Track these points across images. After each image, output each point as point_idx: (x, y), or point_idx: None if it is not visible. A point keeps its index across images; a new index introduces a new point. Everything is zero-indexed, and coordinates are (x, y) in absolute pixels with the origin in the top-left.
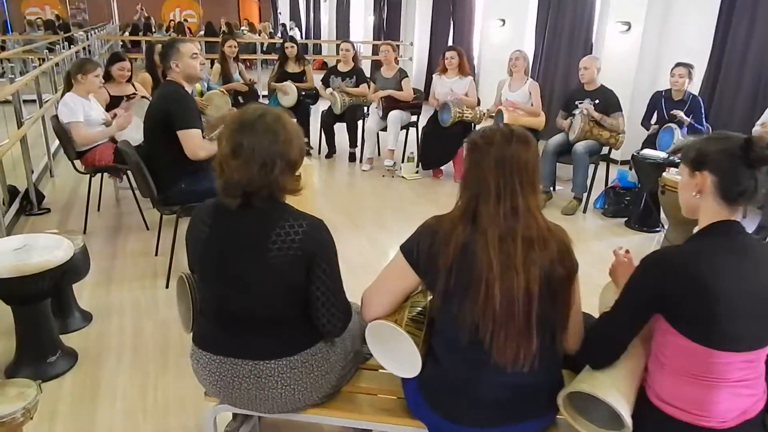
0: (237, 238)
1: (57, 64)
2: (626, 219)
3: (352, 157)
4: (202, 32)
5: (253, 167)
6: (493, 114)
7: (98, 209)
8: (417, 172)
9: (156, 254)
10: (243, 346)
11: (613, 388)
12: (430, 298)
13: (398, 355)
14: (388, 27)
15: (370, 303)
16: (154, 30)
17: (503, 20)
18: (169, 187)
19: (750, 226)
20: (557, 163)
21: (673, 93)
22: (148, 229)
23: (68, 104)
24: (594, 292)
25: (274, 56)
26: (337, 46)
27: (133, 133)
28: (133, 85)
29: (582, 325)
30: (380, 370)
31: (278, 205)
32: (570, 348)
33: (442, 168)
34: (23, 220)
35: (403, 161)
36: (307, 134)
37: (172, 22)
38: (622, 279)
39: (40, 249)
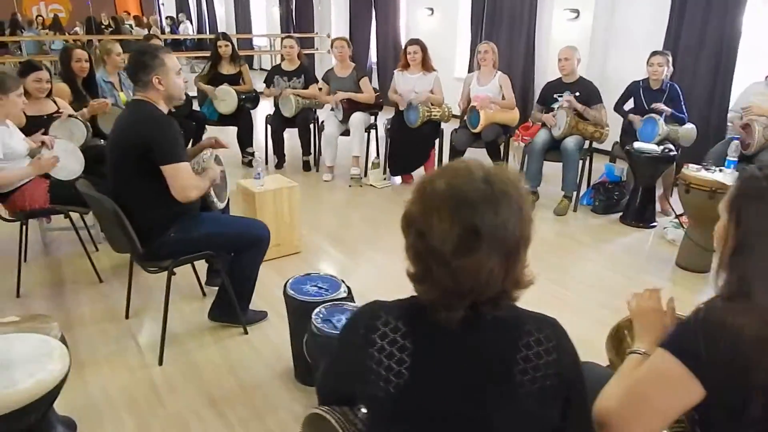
0: (465, 369)
1: None
2: (620, 215)
3: (306, 166)
4: (77, 29)
5: (493, 262)
6: (465, 113)
7: (24, 260)
8: (385, 179)
9: (127, 316)
10: None
11: None
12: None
13: None
14: (298, 18)
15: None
16: (23, 28)
17: (431, 9)
18: (155, 237)
19: None
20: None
21: (651, 82)
22: (101, 281)
23: None
24: (619, 295)
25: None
26: (215, 38)
27: (71, 163)
28: (54, 101)
29: None
30: None
31: (512, 311)
32: None
33: (412, 173)
34: None
35: (366, 168)
36: (251, 142)
37: (40, 17)
38: (652, 329)
39: (21, 362)
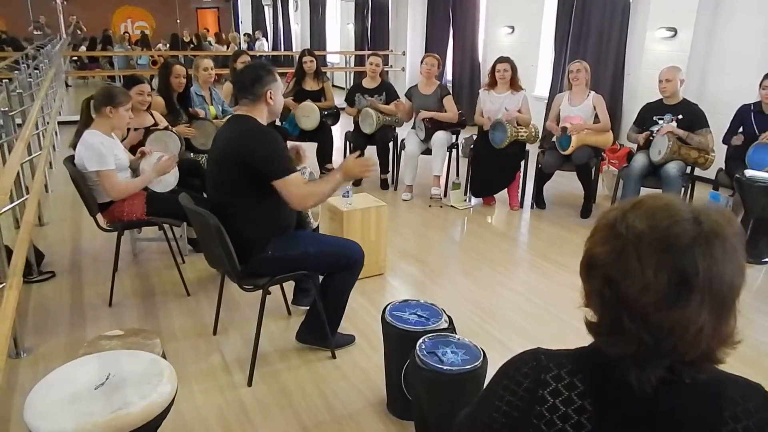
0: None
1: (15, 88)
2: None
3: (384, 185)
4: (160, 45)
5: (704, 318)
6: (558, 134)
7: (115, 269)
8: (466, 200)
9: (215, 332)
10: None
11: None
12: None
13: None
14: (373, 35)
15: None
16: (114, 44)
17: (512, 27)
18: (252, 255)
19: None
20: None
21: (763, 106)
22: (188, 294)
23: (94, 147)
24: None
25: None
26: (300, 54)
27: (167, 176)
28: (152, 115)
29: None
30: None
31: (713, 374)
32: None
33: (494, 195)
34: (23, 292)
35: (446, 188)
36: (330, 159)
37: (127, 34)
38: None
39: (133, 383)
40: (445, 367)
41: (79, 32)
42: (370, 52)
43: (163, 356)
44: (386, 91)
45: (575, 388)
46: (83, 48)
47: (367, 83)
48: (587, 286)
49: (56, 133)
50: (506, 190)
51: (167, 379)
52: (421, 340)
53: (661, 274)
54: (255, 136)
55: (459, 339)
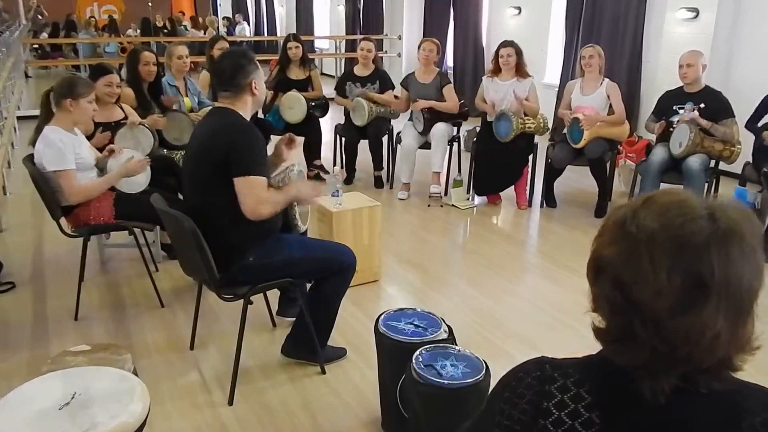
0: None
1: None
2: None
3: (378, 183)
4: (130, 30)
5: (720, 323)
6: (568, 122)
7: (81, 278)
8: (468, 199)
9: (192, 347)
10: None
11: None
12: None
13: None
14: (366, 17)
15: None
16: (78, 30)
17: (518, 8)
18: (232, 262)
19: None
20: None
21: None
22: (162, 306)
23: (54, 144)
24: None
25: None
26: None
27: (138, 176)
28: (122, 108)
29: None
30: None
31: (731, 382)
32: None
33: (500, 194)
34: None
35: (447, 186)
36: (318, 154)
37: (93, 19)
38: None
39: (101, 402)
40: (444, 381)
41: (40, 17)
42: (362, 36)
43: (135, 373)
44: (380, 79)
45: (582, 400)
46: (45, 35)
47: (358, 71)
48: (595, 289)
49: (15, 129)
50: (513, 187)
51: (138, 398)
52: (417, 352)
53: (674, 277)
54: (237, 130)
55: (459, 350)
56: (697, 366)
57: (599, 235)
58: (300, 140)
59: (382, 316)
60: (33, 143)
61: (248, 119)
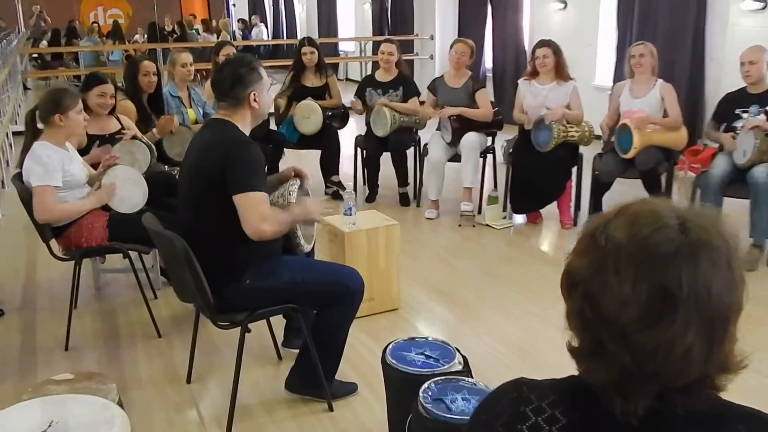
0: None
1: None
2: None
3: (403, 200)
4: (137, 35)
5: (691, 337)
6: (613, 131)
7: (74, 305)
8: (505, 218)
9: (189, 380)
10: None
11: None
12: None
13: None
14: (394, 17)
15: None
16: (80, 37)
17: (564, 2)
18: (226, 285)
19: None
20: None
21: None
22: (160, 336)
23: (42, 160)
24: None
25: None
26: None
27: (134, 194)
28: (118, 119)
29: None
30: None
31: (714, 404)
32: None
33: (541, 211)
34: None
35: (480, 203)
36: (336, 170)
37: (96, 24)
38: None
39: (79, 429)
40: (452, 416)
41: (42, 23)
42: (384, 38)
43: (120, 404)
44: (403, 85)
45: (557, 422)
46: (44, 43)
47: (380, 76)
48: (567, 305)
49: (10, 145)
50: (555, 204)
51: (119, 428)
52: (426, 385)
53: (639, 289)
54: (232, 144)
55: (474, 383)
56: (671, 383)
57: (575, 246)
58: (308, 172)
59: (390, 346)
60: (20, 165)
61: (247, 133)
